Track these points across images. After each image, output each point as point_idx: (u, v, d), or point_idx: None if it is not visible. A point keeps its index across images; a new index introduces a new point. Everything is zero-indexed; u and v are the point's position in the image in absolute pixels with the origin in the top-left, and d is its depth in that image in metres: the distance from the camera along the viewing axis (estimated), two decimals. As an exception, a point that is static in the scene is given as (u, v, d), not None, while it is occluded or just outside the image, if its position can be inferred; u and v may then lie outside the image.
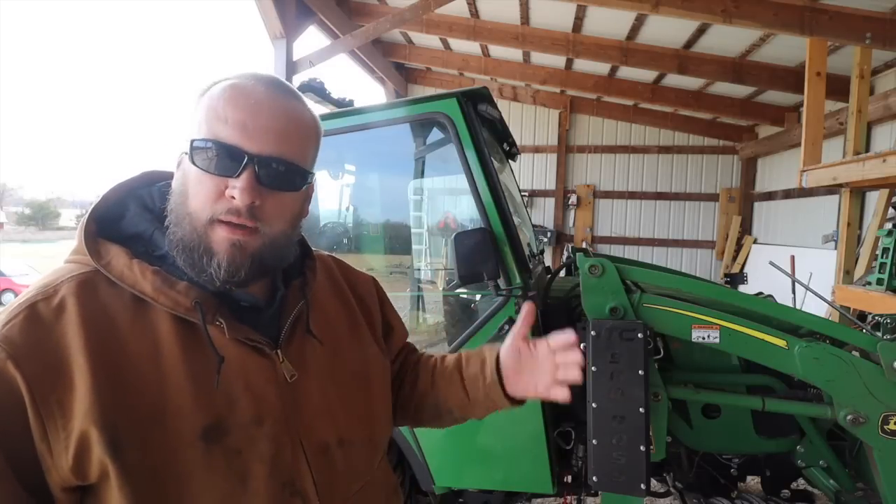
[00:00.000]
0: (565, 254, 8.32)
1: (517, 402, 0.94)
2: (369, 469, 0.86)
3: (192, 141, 0.69)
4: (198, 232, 0.69)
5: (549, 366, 0.89)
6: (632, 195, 8.59)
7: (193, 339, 0.70)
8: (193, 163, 0.69)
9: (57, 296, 0.66)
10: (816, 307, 4.70)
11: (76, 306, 0.65)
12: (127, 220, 0.75)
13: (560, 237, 8.72)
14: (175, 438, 0.65)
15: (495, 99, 2.67)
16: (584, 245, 8.40)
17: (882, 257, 3.25)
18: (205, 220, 0.69)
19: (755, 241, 7.71)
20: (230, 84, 0.71)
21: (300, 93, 0.77)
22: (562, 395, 0.88)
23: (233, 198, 0.68)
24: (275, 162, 0.70)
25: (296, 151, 0.73)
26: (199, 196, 0.69)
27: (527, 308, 0.92)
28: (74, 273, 0.69)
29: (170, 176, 0.81)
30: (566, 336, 0.88)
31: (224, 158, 0.68)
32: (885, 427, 1.65)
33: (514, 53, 7.23)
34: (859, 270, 4.14)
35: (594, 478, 1.75)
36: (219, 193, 0.69)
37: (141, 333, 0.68)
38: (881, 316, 1.79)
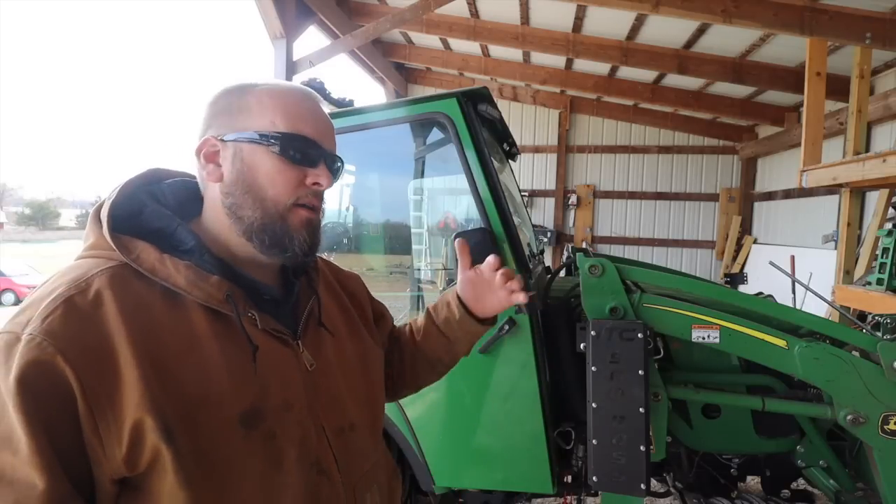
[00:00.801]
0: (565, 254, 8.32)
1: (489, 321, 1.09)
2: (375, 450, 0.94)
3: (282, 134, 0.77)
4: (278, 215, 0.78)
5: (498, 282, 1.04)
6: (632, 195, 8.59)
7: (225, 329, 0.74)
8: (281, 154, 0.77)
9: (91, 289, 0.67)
10: (816, 307, 4.70)
11: (113, 299, 0.67)
12: (146, 216, 0.78)
13: (560, 237, 8.71)
14: (218, 424, 0.69)
15: (495, 99, 2.67)
16: (584, 245, 8.40)
17: (882, 257, 3.25)
18: (287, 203, 0.78)
19: (755, 241, 7.71)
20: (289, 89, 0.81)
21: None
22: (521, 298, 1.04)
23: (316, 184, 0.80)
24: (334, 157, 0.84)
25: (336, 149, 0.86)
26: (278, 183, 0.78)
27: (458, 243, 1.09)
28: (103, 267, 0.70)
29: (174, 174, 0.86)
30: (491, 260, 1.06)
31: (308, 151, 0.79)
32: (885, 427, 1.65)
33: (514, 53, 7.22)
34: (859, 270, 4.14)
35: (594, 478, 1.75)
36: (299, 181, 0.79)
37: (177, 324, 0.70)
38: (881, 316, 1.79)
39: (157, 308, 0.70)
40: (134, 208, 0.78)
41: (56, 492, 0.59)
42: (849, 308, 3.43)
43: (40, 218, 60.14)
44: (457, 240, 1.09)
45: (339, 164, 0.86)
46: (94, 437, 0.62)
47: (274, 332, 0.78)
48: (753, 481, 2.63)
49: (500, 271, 1.04)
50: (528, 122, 8.85)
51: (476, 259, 1.91)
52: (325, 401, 0.83)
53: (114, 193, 0.76)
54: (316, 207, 0.82)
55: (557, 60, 7.13)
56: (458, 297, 1.07)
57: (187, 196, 0.83)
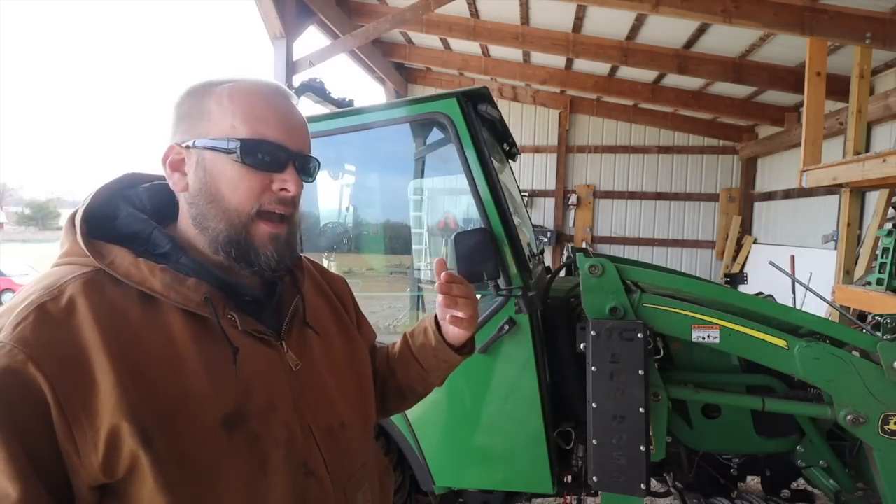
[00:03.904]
0: (565, 254, 8.32)
1: (465, 352, 1.03)
2: (365, 449, 0.93)
3: (242, 140, 0.73)
4: (242, 225, 0.75)
5: (440, 304, 0.96)
6: (632, 195, 8.59)
7: (204, 332, 0.72)
8: (242, 160, 0.73)
9: (64, 296, 0.66)
10: (816, 307, 4.70)
11: (87, 305, 0.66)
12: (121, 221, 0.77)
13: (560, 237, 8.72)
14: (199, 428, 0.68)
15: (495, 99, 2.67)
16: (584, 245, 8.40)
17: (882, 257, 3.26)
18: (250, 213, 0.75)
19: (755, 241, 7.71)
20: (252, 88, 0.77)
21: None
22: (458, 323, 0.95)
23: (284, 190, 0.76)
24: (305, 157, 0.80)
25: (310, 147, 0.83)
26: (240, 191, 0.75)
27: (437, 263, 0.97)
28: (76, 274, 0.69)
29: (152, 178, 0.84)
30: (442, 277, 0.93)
31: (272, 155, 0.75)
32: (885, 427, 1.65)
33: (514, 53, 7.22)
34: (859, 270, 4.14)
35: (594, 478, 1.76)
36: (264, 187, 0.76)
37: (154, 329, 0.69)
38: (881, 316, 1.79)
39: (133, 313, 0.68)
40: (109, 213, 0.77)
41: (30, 500, 0.58)
42: (849, 308, 3.43)
43: (40, 218, 60.14)
44: (436, 260, 1.00)
45: (312, 164, 0.82)
46: (69, 444, 0.61)
47: (256, 333, 0.77)
48: (753, 481, 2.64)
49: (443, 294, 0.94)
50: (528, 122, 8.85)
51: (476, 259, 1.91)
52: (313, 400, 0.82)
53: (88, 199, 0.75)
54: (285, 214, 0.78)
55: (557, 60, 7.13)
56: (436, 323, 1.01)
57: (165, 200, 0.81)
